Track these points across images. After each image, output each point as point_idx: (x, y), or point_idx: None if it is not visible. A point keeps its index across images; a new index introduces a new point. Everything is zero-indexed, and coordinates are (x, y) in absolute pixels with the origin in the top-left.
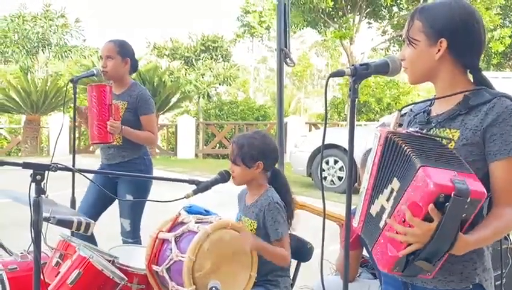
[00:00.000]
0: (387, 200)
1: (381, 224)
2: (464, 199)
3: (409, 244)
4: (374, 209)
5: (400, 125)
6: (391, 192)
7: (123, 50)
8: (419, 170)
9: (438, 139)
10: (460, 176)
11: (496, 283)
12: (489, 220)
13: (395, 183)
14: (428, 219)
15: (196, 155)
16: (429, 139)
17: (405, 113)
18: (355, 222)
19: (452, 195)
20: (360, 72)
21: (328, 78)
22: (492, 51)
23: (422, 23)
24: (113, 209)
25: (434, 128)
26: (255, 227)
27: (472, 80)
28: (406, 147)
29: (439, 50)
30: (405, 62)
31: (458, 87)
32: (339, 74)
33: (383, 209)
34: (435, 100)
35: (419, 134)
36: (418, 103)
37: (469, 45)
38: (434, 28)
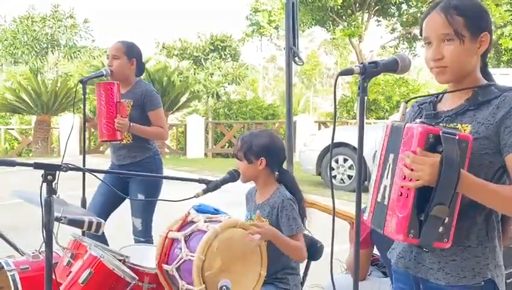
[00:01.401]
0: (387, 177)
1: (386, 201)
2: (453, 137)
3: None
4: (380, 195)
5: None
6: (389, 167)
7: (130, 51)
8: (405, 127)
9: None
10: (446, 128)
11: (508, 281)
12: (499, 185)
13: (390, 158)
14: None
15: (205, 154)
16: None
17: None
18: (366, 215)
19: (441, 133)
20: (369, 70)
21: (337, 77)
22: (503, 47)
23: (465, 18)
24: (126, 209)
25: (443, 123)
26: None
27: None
28: (401, 123)
29: (480, 45)
30: (444, 60)
31: (471, 83)
32: (348, 72)
33: (385, 188)
34: (444, 95)
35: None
36: (425, 96)
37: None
38: (477, 22)
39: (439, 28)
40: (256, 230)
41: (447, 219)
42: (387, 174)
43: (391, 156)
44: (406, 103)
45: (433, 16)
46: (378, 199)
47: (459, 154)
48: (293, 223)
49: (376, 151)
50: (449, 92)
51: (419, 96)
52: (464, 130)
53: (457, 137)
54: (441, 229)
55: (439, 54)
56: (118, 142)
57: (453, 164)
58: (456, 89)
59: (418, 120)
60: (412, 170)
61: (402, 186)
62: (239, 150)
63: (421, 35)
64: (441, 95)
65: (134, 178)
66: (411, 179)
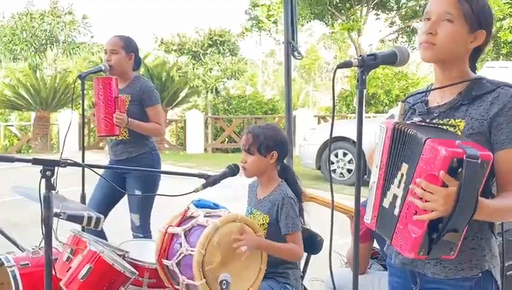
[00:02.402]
0: (398, 186)
1: (396, 211)
2: (476, 161)
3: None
4: (387, 201)
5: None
6: (401, 177)
7: (128, 45)
8: (426, 142)
9: (443, 127)
10: (464, 144)
11: (508, 273)
12: (502, 195)
13: (404, 167)
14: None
15: (205, 150)
16: (434, 128)
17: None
18: (368, 218)
19: (464, 158)
20: (368, 63)
21: (336, 69)
22: (502, 40)
23: (472, 8)
24: (124, 204)
25: (437, 119)
26: (267, 221)
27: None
28: (411, 131)
29: (474, 40)
30: (436, 37)
31: (460, 77)
32: (346, 64)
33: (395, 197)
34: (434, 90)
35: (423, 123)
36: (420, 91)
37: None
38: (480, 17)
39: (446, 4)
40: (240, 243)
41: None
42: (399, 184)
43: (404, 165)
44: (403, 102)
45: None
46: (385, 205)
47: (479, 176)
48: (290, 221)
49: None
50: (438, 88)
51: (414, 94)
52: (458, 126)
53: (479, 161)
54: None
55: (434, 29)
56: (115, 137)
57: (472, 192)
58: (446, 85)
59: (415, 118)
60: (421, 198)
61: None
62: (251, 143)
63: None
64: (429, 90)
65: (132, 174)
66: (425, 210)
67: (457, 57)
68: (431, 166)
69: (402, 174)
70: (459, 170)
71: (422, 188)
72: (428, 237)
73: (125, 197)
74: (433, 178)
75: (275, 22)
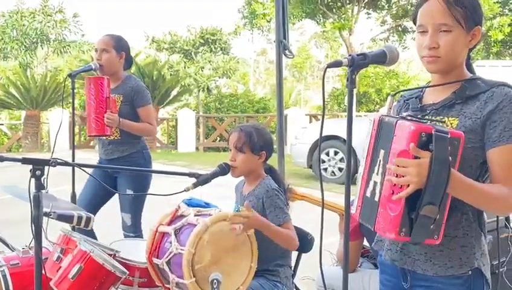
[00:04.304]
0: (377, 173)
1: (377, 197)
2: (445, 135)
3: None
4: (369, 190)
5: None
6: (379, 163)
7: (119, 44)
8: (397, 123)
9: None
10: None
11: (497, 271)
12: (485, 184)
13: (381, 154)
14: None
15: (197, 148)
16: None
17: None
18: (353, 209)
19: (433, 132)
20: (358, 62)
21: (326, 69)
22: (492, 39)
23: (464, 10)
24: (115, 204)
25: (429, 116)
26: None
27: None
28: (392, 119)
29: (472, 38)
30: (439, 50)
31: (458, 78)
32: (336, 64)
33: (375, 184)
34: (427, 88)
35: (410, 117)
36: (412, 89)
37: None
38: (473, 15)
39: (438, 16)
40: (241, 220)
41: (437, 216)
42: (378, 171)
43: (381, 151)
44: (393, 96)
45: (431, 3)
46: (367, 194)
47: (451, 152)
48: (280, 212)
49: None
50: (434, 85)
51: (406, 90)
52: (451, 124)
53: (449, 135)
54: (431, 227)
55: (435, 42)
56: (105, 137)
57: (443, 164)
58: (441, 83)
59: (405, 113)
60: (397, 175)
61: (394, 184)
62: (244, 142)
63: (414, 22)
64: (425, 88)
65: (123, 173)
66: (401, 186)
67: (460, 62)
68: (402, 143)
69: (380, 161)
70: (430, 145)
71: (395, 165)
72: (408, 216)
73: (116, 196)
74: (404, 154)
75: (269, 21)
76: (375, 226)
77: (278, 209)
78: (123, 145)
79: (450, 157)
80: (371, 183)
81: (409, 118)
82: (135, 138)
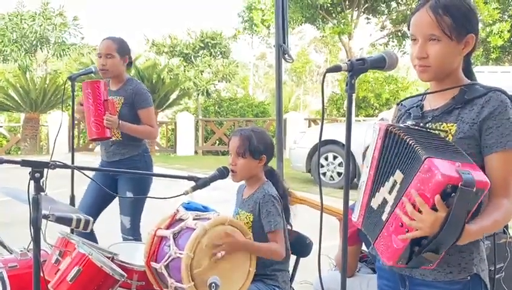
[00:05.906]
0: (390, 192)
1: (384, 217)
2: (471, 189)
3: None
4: (375, 202)
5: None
6: (394, 184)
7: (122, 48)
8: (425, 161)
9: (435, 132)
10: (464, 167)
11: (497, 276)
12: (488, 210)
13: (398, 176)
14: (434, 210)
15: (196, 152)
16: (427, 133)
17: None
18: (355, 216)
19: (459, 185)
20: (357, 67)
21: (325, 74)
22: (491, 45)
23: (453, 19)
24: (114, 207)
25: (430, 123)
26: (251, 219)
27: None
28: (408, 139)
29: (465, 46)
30: (429, 60)
31: (455, 84)
32: (335, 69)
33: (385, 201)
34: (428, 94)
35: (417, 127)
36: (416, 96)
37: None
38: (464, 24)
39: (427, 27)
40: (222, 248)
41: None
42: (391, 190)
43: (399, 174)
44: (398, 105)
45: (421, 14)
46: (373, 206)
47: (471, 200)
48: (272, 219)
49: (366, 149)
50: (432, 92)
51: (409, 97)
52: (450, 129)
53: (474, 189)
54: (429, 265)
55: (424, 52)
56: (107, 140)
57: (459, 223)
58: (439, 90)
59: (409, 122)
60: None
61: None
62: (245, 146)
63: (409, 30)
64: (425, 94)
65: (123, 175)
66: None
67: (453, 69)
68: (425, 186)
69: (395, 182)
70: (452, 195)
71: (413, 204)
72: (410, 248)
73: (116, 199)
74: (425, 198)
75: (268, 27)
76: (376, 243)
77: (271, 215)
78: (125, 148)
79: (469, 204)
80: (379, 197)
81: (412, 126)
82: (136, 140)
